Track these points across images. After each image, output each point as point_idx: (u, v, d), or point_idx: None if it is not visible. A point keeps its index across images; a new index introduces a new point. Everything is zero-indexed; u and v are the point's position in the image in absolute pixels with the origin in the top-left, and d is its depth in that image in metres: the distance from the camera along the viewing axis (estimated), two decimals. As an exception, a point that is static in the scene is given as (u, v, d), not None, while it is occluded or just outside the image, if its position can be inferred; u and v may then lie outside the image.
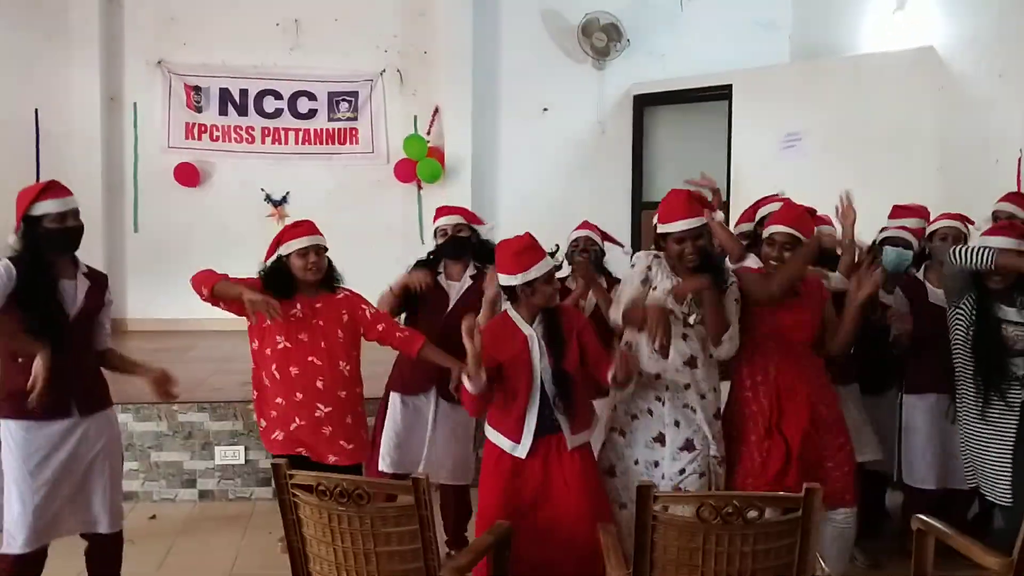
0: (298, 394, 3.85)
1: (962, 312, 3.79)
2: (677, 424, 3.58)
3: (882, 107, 7.05)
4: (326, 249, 3.93)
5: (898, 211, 4.65)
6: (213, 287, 3.73)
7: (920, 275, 4.39)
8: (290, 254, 3.84)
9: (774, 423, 3.61)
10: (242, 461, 5.46)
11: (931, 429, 4.26)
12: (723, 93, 8.15)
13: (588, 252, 4.58)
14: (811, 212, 3.94)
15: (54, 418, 3.34)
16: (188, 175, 8.33)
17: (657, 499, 2.59)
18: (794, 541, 2.61)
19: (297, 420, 3.86)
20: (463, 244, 4.39)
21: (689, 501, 2.57)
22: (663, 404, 3.59)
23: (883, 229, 4.59)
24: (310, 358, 3.85)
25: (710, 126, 8.41)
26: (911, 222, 4.53)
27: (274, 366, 3.87)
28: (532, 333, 3.41)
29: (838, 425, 3.75)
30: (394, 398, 4.37)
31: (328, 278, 3.96)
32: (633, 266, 3.76)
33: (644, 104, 8.92)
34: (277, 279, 3.84)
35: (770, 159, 7.55)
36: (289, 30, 8.46)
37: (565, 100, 8.83)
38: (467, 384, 3.28)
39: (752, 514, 2.54)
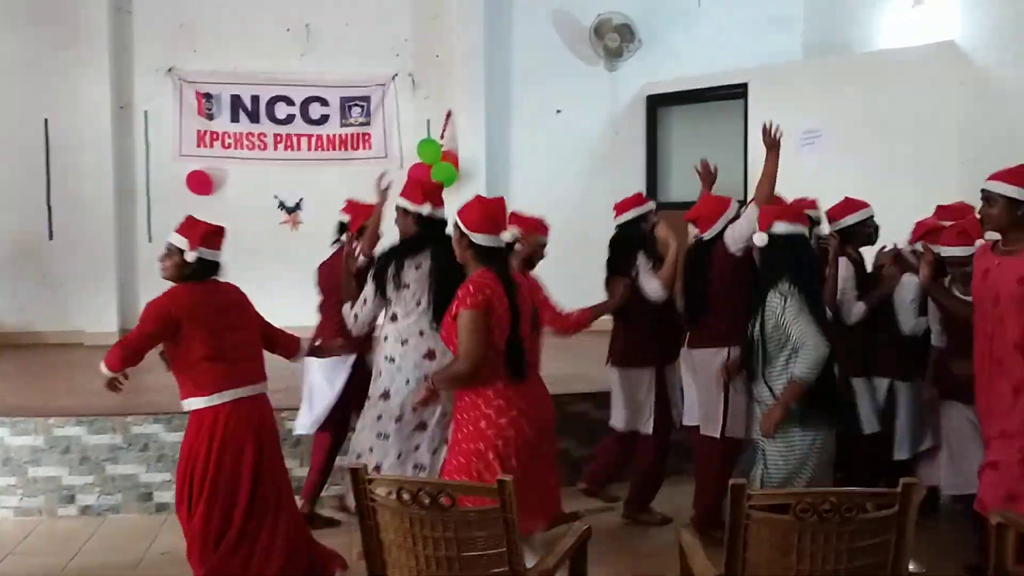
0: None
1: None
2: None
3: (902, 102, 7.03)
4: None
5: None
6: None
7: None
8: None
9: None
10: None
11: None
12: (738, 92, 8.10)
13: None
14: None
15: None
16: (201, 183, 8.23)
17: (751, 497, 2.54)
18: (889, 538, 2.57)
19: None
20: None
21: (784, 499, 2.51)
22: None
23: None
24: None
25: (725, 125, 8.35)
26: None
27: None
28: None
29: None
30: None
31: None
32: None
33: (657, 104, 8.87)
34: None
35: (788, 157, 7.42)
36: (300, 35, 8.37)
37: (578, 102, 8.76)
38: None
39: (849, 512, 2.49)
